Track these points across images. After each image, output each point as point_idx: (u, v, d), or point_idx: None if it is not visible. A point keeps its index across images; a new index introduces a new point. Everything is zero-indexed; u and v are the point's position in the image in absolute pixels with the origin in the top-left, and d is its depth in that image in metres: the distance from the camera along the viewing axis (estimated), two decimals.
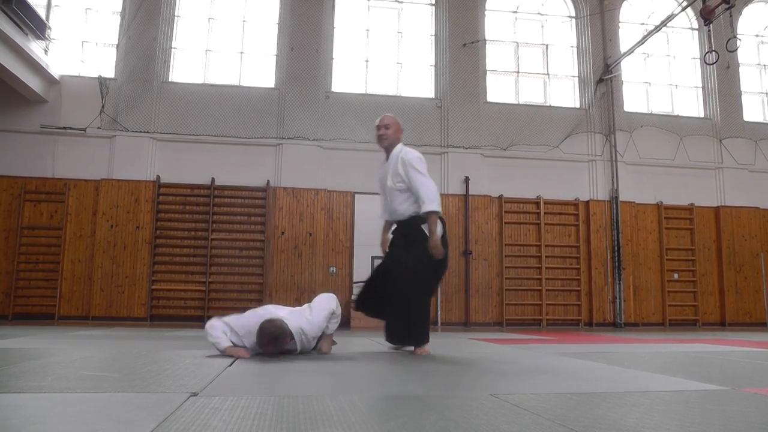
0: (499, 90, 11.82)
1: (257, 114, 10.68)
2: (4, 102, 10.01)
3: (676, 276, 11.55)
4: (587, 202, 11.44)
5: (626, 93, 12.15)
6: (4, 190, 10.00)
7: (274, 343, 3.50)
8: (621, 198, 11.42)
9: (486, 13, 11.92)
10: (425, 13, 11.86)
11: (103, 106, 10.29)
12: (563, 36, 12.26)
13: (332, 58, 11.32)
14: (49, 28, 10.06)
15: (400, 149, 4.25)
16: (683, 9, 11.24)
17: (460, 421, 1.69)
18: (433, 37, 11.69)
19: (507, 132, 11.26)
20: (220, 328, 3.81)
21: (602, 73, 11.85)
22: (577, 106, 11.87)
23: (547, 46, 12.17)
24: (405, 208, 4.14)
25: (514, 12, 12.18)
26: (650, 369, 3.21)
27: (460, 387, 2.47)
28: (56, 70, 10.23)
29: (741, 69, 12.60)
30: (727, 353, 4.44)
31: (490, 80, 11.76)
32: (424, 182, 4.03)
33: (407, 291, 3.96)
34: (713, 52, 8.88)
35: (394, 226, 4.34)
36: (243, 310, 9.08)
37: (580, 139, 11.62)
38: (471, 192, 10.94)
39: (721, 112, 12.20)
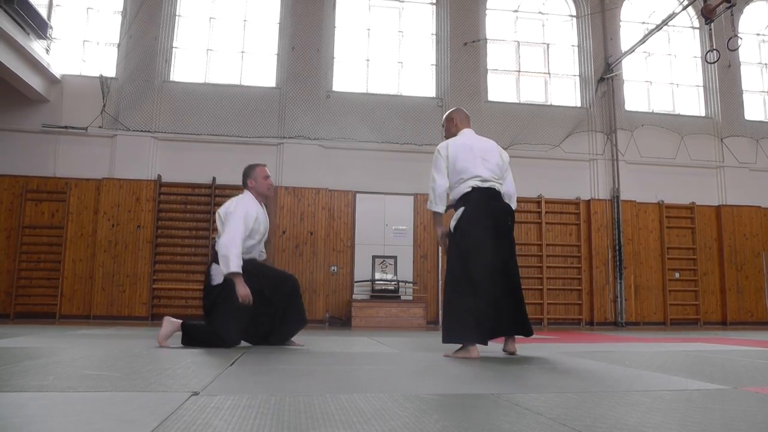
0: (500, 89, 11.82)
1: (258, 113, 10.69)
2: (6, 101, 10.02)
3: (677, 275, 11.55)
4: (588, 201, 11.44)
5: (627, 92, 12.15)
6: (6, 189, 10.02)
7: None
8: (622, 197, 11.42)
9: (487, 12, 11.91)
10: (426, 13, 11.85)
11: (104, 106, 10.30)
12: (564, 35, 12.26)
13: (333, 58, 11.31)
14: (51, 28, 10.07)
15: None
16: (684, 8, 11.23)
17: (462, 420, 1.69)
18: (434, 36, 11.69)
19: (508, 131, 11.24)
20: (239, 252, 4.26)
21: (603, 72, 11.85)
22: (578, 105, 11.86)
23: (548, 45, 12.17)
24: None
25: (515, 11, 12.18)
26: (651, 368, 3.21)
27: (461, 386, 2.47)
28: (58, 69, 10.24)
29: (742, 68, 12.59)
30: (729, 352, 4.44)
31: (491, 79, 11.76)
32: (430, 177, 3.99)
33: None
34: (714, 51, 8.86)
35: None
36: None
37: (581, 138, 11.61)
38: None
39: (722, 110, 12.19)
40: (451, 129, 4.30)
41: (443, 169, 3.94)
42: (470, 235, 3.78)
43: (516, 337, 3.93)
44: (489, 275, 3.70)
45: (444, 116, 4.40)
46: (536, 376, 2.86)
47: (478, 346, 3.66)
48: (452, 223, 3.87)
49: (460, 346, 3.67)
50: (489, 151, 4.09)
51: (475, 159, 3.96)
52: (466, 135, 4.18)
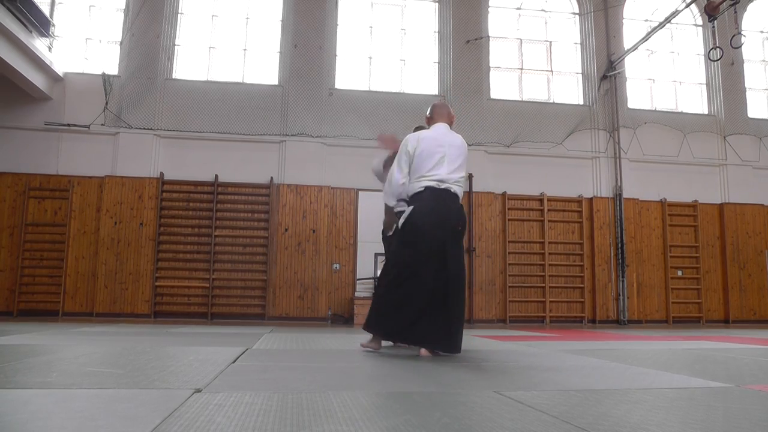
0: (502, 87, 11.80)
1: (261, 111, 10.69)
2: (9, 99, 10.04)
3: (679, 273, 11.53)
4: (591, 199, 11.42)
5: (630, 90, 12.12)
6: (9, 186, 10.04)
7: None
8: (625, 195, 11.40)
9: (489, 9, 11.89)
10: (429, 10, 11.84)
11: (106, 103, 10.31)
12: (567, 32, 12.23)
13: (336, 55, 11.31)
14: (53, 26, 10.08)
15: None
16: (687, 5, 11.20)
17: (464, 418, 1.69)
18: (437, 33, 11.67)
19: (510, 129, 11.24)
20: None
21: (606, 69, 11.82)
22: (581, 102, 11.84)
23: (550, 42, 12.14)
24: None
25: (518, 9, 12.15)
26: (654, 366, 3.21)
27: (464, 384, 2.47)
28: (60, 67, 10.25)
29: (745, 65, 12.55)
30: (731, 350, 4.43)
31: (494, 77, 11.74)
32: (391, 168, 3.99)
33: None
34: (718, 49, 8.84)
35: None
36: (247, 307, 9.35)
37: (584, 136, 11.59)
38: (474, 189, 10.92)
39: (725, 108, 12.15)
40: (429, 122, 4.14)
41: (404, 164, 3.87)
42: (413, 234, 3.70)
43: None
44: (420, 278, 3.59)
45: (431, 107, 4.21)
46: (538, 373, 2.86)
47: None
48: (400, 221, 3.82)
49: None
50: (455, 150, 3.86)
51: (440, 158, 3.80)
52: (437, 130, 3.97)
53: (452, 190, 3.75)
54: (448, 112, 4.08)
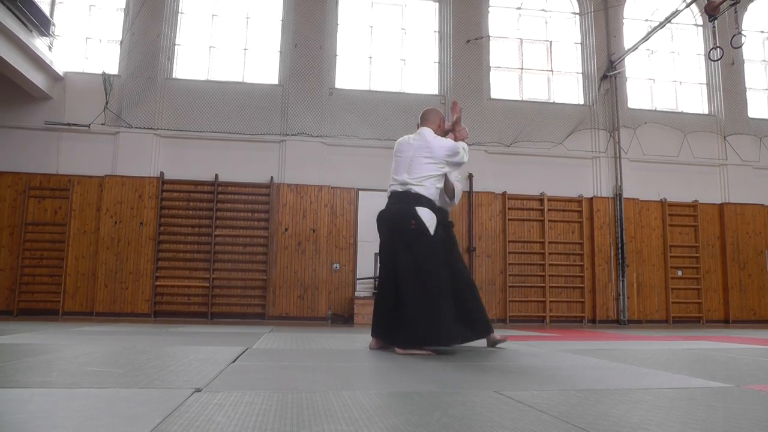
0: (502, 86, 11.80)
1: (261, 110, 10.69)
2: (9, 98, 10.04)
3: (680, 273, 11.53)
4: (591, 199, 11.42)
5: (630, 89, 12.11)
6: (9, 186, 10.04)
7: None
8: (625, 195, 11.39)
9: (490, 9, 11.88)
10: (429, 10, 11.83)
11: (107, 103, 10.31)
12: (567, 32, 12.22)
13: (336, 55, 11.31)
14: (54, 25, 10.08)
15: None
16: (688, 5, 11.19)
17: (464, 418, 1.69)
18: (437, 33, 11.67)
19: (511, 128, 11.24)
20: None
21: (606, 69, 11.81)
22: (581, 102, 11.83)
23: (551, 42, 12.14)
24: None
25: (518, 8, 12.15)
26: (654, 366, 3.21)
27: (464, 384, 2.47)
28: (60, 66, 10.26)
29: (746, 65, 12.54)
30: (731, 350, 4.43)
31: (494, 77, 11.73)
32: None
33: None
34: (718, 49, 8.84)
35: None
36: (247, 307, 9.36)
37: (584, 136, 11.59)
38: (475, 189, 10.93)
39: (725, 108, 12.15)
40: (418, 127, 4.36)
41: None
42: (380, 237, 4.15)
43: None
44: (382, 283, 4.05)
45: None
46: (538, 373, 2.87)
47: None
48: None
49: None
50: (424, 152, 4.02)
51: (404, 162, 4.06)
52: (416, 136, 4.21)
53: (413, 191, 3.93)
54: (437, 118, 4.28)
